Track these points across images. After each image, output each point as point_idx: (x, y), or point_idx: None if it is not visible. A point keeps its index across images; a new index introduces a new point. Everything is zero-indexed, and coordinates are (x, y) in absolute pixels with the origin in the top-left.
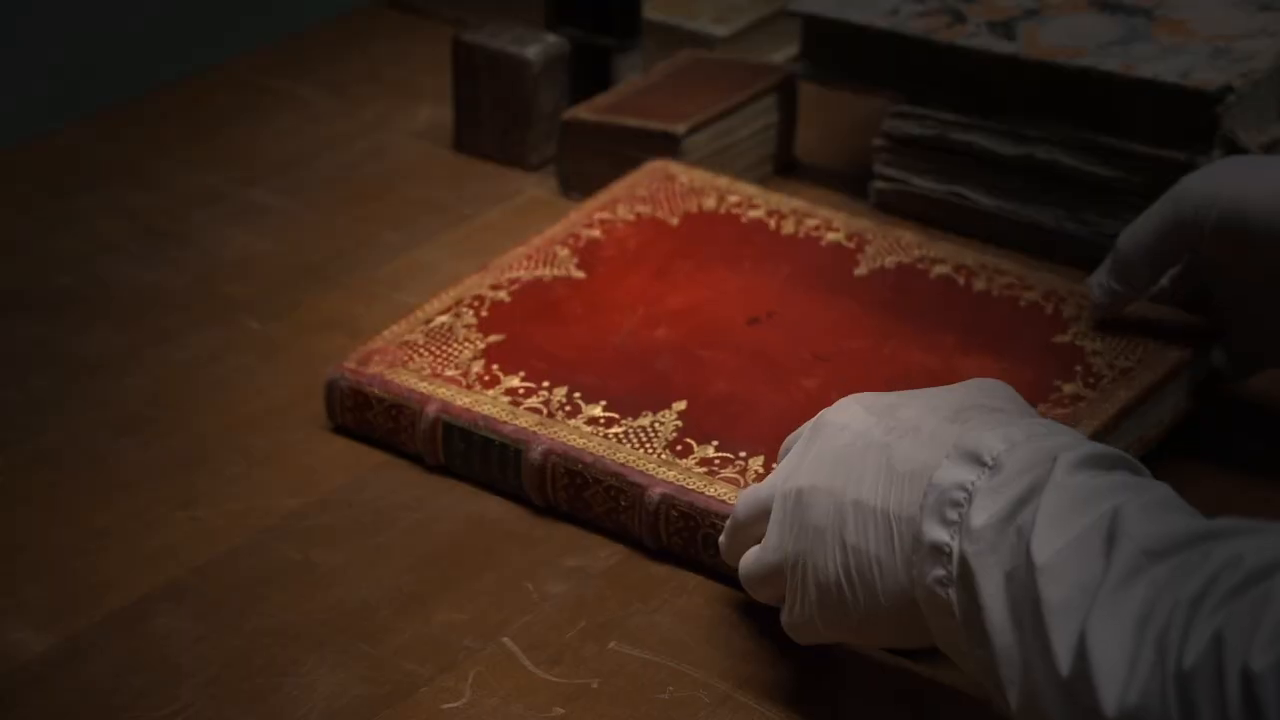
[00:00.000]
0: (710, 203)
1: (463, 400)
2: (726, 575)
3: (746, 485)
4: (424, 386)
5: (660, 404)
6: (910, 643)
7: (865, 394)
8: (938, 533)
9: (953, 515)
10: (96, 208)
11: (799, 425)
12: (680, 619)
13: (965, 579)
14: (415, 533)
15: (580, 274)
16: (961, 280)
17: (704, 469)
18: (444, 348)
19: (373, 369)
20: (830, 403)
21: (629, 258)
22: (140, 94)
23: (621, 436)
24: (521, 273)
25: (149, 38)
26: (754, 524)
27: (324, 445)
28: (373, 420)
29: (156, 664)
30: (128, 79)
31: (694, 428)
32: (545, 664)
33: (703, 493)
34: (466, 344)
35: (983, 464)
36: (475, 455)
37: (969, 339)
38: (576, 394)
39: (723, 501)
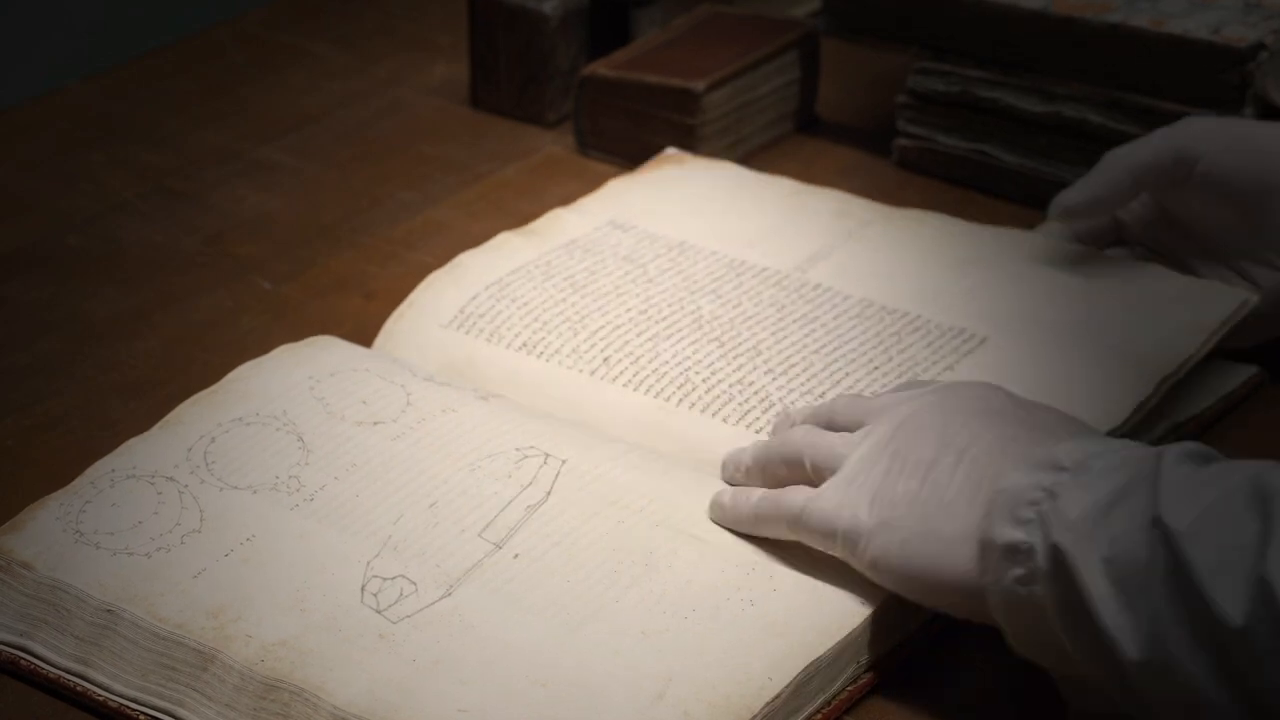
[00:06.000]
0: None
1: None
2: None
3: None
4: None
5: None
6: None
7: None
8: (1011, 533)
9: (1028, 514)
10: (106, 166)
11: None
12: None
13: (1060, 568)
14: None
15: None
16: None
17: None
18: None
19: None
20: None
21: None
22: (151, 50)
23: None
24: None
25: None
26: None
27: None
28: None
29: None
30: (138, 35)
31: None
32: None
33: None
34: None
35: (1060, 468)
36: None
37: None
38: None
39: None
